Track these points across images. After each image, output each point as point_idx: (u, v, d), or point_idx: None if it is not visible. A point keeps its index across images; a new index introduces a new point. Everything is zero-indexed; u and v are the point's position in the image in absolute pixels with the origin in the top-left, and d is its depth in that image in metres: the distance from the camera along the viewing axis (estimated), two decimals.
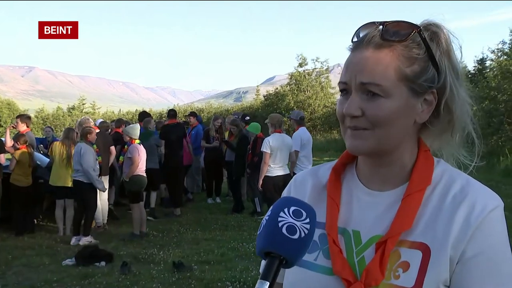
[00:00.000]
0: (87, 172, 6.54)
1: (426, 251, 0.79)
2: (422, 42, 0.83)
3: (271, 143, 6.53)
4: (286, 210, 0.74)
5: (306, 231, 0.73)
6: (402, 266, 0.80)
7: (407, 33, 0.82)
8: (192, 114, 10.42)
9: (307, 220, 0.74)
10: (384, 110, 0.81)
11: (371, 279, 0.80)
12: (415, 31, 0.83)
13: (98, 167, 6.94)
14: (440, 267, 0.78)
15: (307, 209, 0.76)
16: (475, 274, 0.78)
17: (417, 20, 0.87)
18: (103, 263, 5.58)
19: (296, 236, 0.71)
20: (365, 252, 0.84)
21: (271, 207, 0.78)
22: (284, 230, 0.72)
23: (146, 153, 7.16)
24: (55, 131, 12.75)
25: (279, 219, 0.73)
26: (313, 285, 0.86)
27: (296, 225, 0.72)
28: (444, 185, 0.85)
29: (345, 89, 0.85)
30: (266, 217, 0.76)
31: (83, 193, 6.66)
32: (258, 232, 0.75)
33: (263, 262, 0.97)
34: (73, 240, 6.58)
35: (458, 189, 0.83)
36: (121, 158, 7.81)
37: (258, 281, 0.69)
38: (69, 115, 39.89)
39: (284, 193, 1.05)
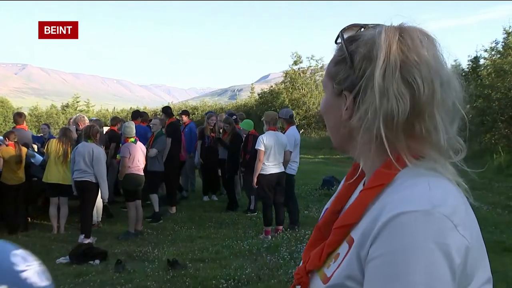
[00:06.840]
0: (103, 180, 6.48)
1: (351, 245, 0.81)
2: (343, 44, 0.87)
3: (265, 141, 6.43)
4: None
5: None
6: (335, 256, 0.84)
7: (338, 36, 0.89)
8: (184, 112, 10.47)
9: None
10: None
11: (311, 264, 0.89)
12: (340, 33, 0.88)
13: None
14: (349, 263, 0.79)
15: None
16: (370, 277, 0.75)
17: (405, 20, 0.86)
18: (97, 261, 5.58)
19: None
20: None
21: None
22: None
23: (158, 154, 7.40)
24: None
25: None
26: None
27: None
28: (398, 185, 0.81)
29: None
30: None
31: (90, 193, 6.57)
32: None
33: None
34: (81, 238, 6.49)
35: (401, 189, 0.79)
36: (117, 156, 7.79)
37: None
38: (63, 113, 39.74)
39: None
